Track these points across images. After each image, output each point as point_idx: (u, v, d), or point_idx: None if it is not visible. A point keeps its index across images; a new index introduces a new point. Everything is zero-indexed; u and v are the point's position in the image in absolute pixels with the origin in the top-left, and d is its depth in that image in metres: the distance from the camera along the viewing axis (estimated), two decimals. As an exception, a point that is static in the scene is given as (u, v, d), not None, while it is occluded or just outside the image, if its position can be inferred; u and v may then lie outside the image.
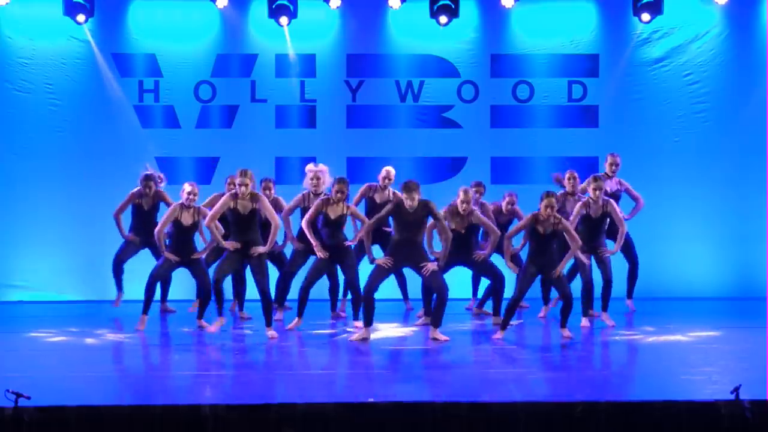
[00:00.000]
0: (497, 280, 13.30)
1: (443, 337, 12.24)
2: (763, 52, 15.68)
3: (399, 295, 14.51)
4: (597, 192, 13.06)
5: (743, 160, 15.86)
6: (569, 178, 13.76)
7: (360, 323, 12.86)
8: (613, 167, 14.17)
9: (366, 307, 12.26)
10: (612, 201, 13.30)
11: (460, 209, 12.95)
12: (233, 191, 12.33)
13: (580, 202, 13.16)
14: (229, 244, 12.30)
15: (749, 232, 15.80)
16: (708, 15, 15.92)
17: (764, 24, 15.78)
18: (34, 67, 15.71)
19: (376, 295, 12.41)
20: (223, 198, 12.34)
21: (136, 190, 13.96)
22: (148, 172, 14.01)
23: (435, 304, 12.29)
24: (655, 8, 15.51)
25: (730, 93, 15.94)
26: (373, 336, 12.67)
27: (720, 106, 15.96)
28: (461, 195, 12.97)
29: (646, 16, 15.57)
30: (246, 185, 12.25)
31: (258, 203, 12.31)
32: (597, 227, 13.21)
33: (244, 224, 12.28)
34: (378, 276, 12.23)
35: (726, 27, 15.93)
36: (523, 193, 14.22)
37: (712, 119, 15.96)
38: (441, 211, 12.76)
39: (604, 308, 13.30)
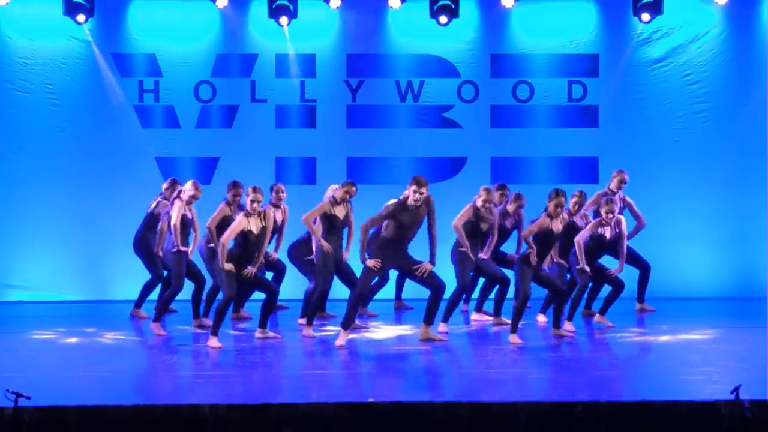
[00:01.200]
0: (504, 282, 13.28)
1: (438, 336, 12.18)
2: (763, 52, 15.68)
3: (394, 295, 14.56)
4: (609, 215, 12.92)
5: (743, 160, 15.86)
6: (575, 203, 13.63)
7: (362, 323, 12.91)
8: (622, 185, 14.13)
9: (353, 311, 11.98)
10: (623, 221, 13.16)
11: (482, 209, 12.91)
12: (247, 210, 12.16)
13: (596, 221, 12.96)
14: (230, 267, 12.13)
15: (749, 232, 15.80)
16: (708, 15, 15.92)
17: (764, 24, 15.77)
18: (34, 67, 15.71)
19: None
20: (239, 220, 12.08)
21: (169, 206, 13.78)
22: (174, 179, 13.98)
23: (429, 301, 12.05)
24: (655, 8, 15.51)
25: (730, 93, 15.93)
26: (373, 336, 12.68)
27: (720, 106, 15.95)
28: (484, 194, 12.92)
29: (646, 16, 15.56)
30: (259, 202, 12.11)
31: (267, 221, 12.25)
32: (607, 248, 13.11)
33: (253, 245, 12.15)
34: (368, 279, 12.03)
35: (726, 27, 15.93)
36: (523, 194, 14.20)
37: (712, 119, 15.96)
38: (461, 213, 12.85)
39: (603, 311, 13.30)
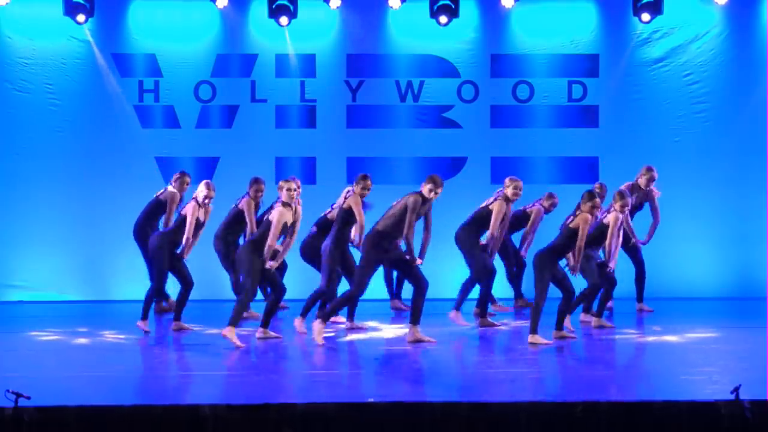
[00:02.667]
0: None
1: (427, 338, 12.11)
2: (763, 52, 15.68)
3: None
4: (625, 209, 12.90)
5: (743, 160, 15.86)
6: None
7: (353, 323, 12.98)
8: (651, 183, 14.16)
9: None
10: (618, 219, 13.22)
11: (513, 198, 13.14)
12: (284, 202, 12.18)
13: (613, 213, 12.77)
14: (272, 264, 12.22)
15: (749, 232, 15.80)
16: (708, 15, 15.92)
17: (764, 24, 15.78)
18: (34, 67, 15.71)
19: (371, 295, 12.43)
20: (281, 212, 12.07)
21: (177, 194, 13.87)
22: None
23: (414, 299, 12.06)
24: (655, 8, 15.52)
25: (730, 93, 15.94)
26: (373, 336, 12.68)
27: (720, 106, 15.96)
28: (512, 183, 13.19)
29: (646, 16, 15.57)
30: (298, 190, 12.27)
31: (297, 215, 12.32)
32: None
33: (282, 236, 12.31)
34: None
35: (726, 27, 15.93)
36: (524, 193, 14.19)
37: (712, 119, 15.96)
38: (497, 216, 13.05)
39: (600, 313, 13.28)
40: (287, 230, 12.23)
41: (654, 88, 15.99)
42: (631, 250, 14.08)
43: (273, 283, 12.32)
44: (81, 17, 15.39)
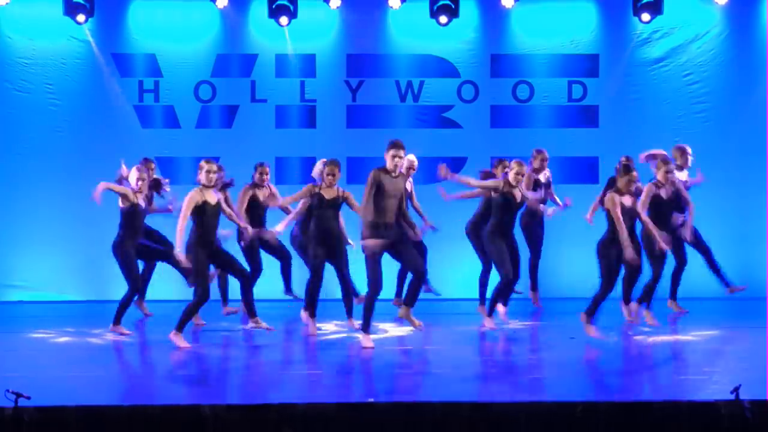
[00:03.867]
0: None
1: (417, 322, 11.75)
2: (763, 52, 15.69)
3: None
4: (668, 175, 12.74)
5: (743, 160, 15.87)
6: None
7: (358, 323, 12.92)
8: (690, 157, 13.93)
9: (371, 309, 11.68)
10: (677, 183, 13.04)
11: (513, 182, 12.64)
12: (204, 184, 11.93)
13: (649, 185, 12.57)
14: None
15: (749, 232, 15.81)
16: (708, 15, 15.93)
17: (764, 24, 15.78)
18: (34, 67, 15.72)
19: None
20: (193, 195, 11.81)
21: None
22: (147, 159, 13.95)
23: (411, 284, 11.76)
24: (655, 8, 15.53)
25: (730, 93, 15.94)
26: (374, 336, 12.68)
27: (720, 106, 15.97)
28: (516, 167, 12.64)
29: (646, 16, 15.58)
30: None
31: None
32: (668, 208, 12.94)
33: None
34: (377, 266, 11.57)
35: (726, 27, 15.94)
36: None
37: (712, 119, 15.97)
38: (499, 184, 12.72)
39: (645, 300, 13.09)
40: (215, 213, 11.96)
41: (654, 88, 15.99)
42: (679, 242, 13.73)
43: (236, 271, 12.12)
44: (81, 17, 15.40)
